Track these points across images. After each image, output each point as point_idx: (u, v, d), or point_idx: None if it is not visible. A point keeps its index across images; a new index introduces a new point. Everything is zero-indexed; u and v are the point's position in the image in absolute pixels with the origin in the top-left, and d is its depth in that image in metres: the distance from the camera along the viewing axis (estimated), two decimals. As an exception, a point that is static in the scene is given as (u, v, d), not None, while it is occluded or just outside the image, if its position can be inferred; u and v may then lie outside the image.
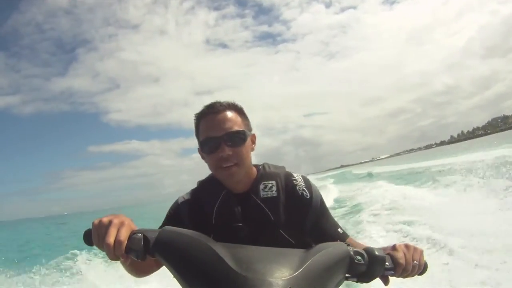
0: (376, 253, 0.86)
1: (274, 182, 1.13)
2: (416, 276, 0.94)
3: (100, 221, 0.79)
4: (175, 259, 0.78)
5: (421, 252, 0.95)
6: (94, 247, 0.82)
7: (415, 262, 0.91)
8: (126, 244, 0.76)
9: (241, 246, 0.84)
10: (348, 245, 0.87)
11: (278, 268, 0.73)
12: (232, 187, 1.14)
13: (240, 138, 1.10)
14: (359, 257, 0.84)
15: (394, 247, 0.92)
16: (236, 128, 1.10)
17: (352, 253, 0.84)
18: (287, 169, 1.21)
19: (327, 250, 0.82)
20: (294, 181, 1.15)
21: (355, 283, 0.90)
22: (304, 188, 1.14)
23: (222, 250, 0.76)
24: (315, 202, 1.13)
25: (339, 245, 0.86)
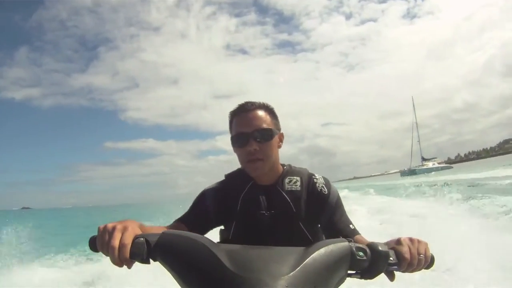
0: (379, 248, 0.83)
1: (298, 178, 1.25)
2: (423, 270, 0.90)
3: (105, 227, 0.80)
4: (175, 262, 0.79)
5: (426, 245, 0.91)
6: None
7: (420, 255, 0.88)
8: (130, 249, 0.77)
9: (240, 247, 0.85)
10: (350, 241, 0.84)
11: (275, 267, 0.72)
12: (259, 179, 1.25)
13: (267, 135, 1.21)
14: (361, 253, 0.81)
15: (398, 241, 0.89)
16: (264, 126, 1.21)
17: (354, 249, 0.81)
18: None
19: (327, 247, 0.80)
20: (315, 179, 1.26)
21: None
22: (323, 185, 1.24)
23: (219, 251, 0.76)
24: (332, 198, 1.23)
25: (339, 242, 0.83)
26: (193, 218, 1.21)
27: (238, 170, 1.32)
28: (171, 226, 1.16)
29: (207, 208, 1.24)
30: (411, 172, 68.39)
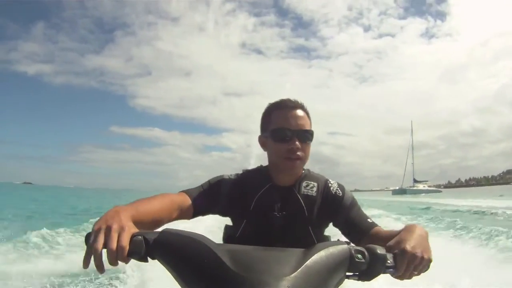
0: (377, 251, 0.84)
1: (315, 184, 1.26)
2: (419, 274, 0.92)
3: (99, 228, 0.77)
4: (174, 260, 0.78)
5: None
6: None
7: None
8: (128, 248, 0.76)
9: (241, 247, 0.85)
10: (349, 243, 0.86)
11: (277, 268, 0.73)
12: (279, 180, 1.24)
13: (309, 137, 1.22)
14: (359, 256, 0.83)
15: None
16: (307, 127, 1.22)
17: (352, 251, 0.83)
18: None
19: (327, 249, 0.81)
20: (330, 185, 1.27)
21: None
22: (337, 189, 1.26)
23: (221, 251, 0.76)
24: (347, 199, 1.25)
25: (339, 244, 0.85)
26: (201, 197, 1.21)
27: (258, 169, 1.32)
28: (174, 196, 1.16)
29: (220, 195, 1.24)
30: (402, 192, 73.32)
